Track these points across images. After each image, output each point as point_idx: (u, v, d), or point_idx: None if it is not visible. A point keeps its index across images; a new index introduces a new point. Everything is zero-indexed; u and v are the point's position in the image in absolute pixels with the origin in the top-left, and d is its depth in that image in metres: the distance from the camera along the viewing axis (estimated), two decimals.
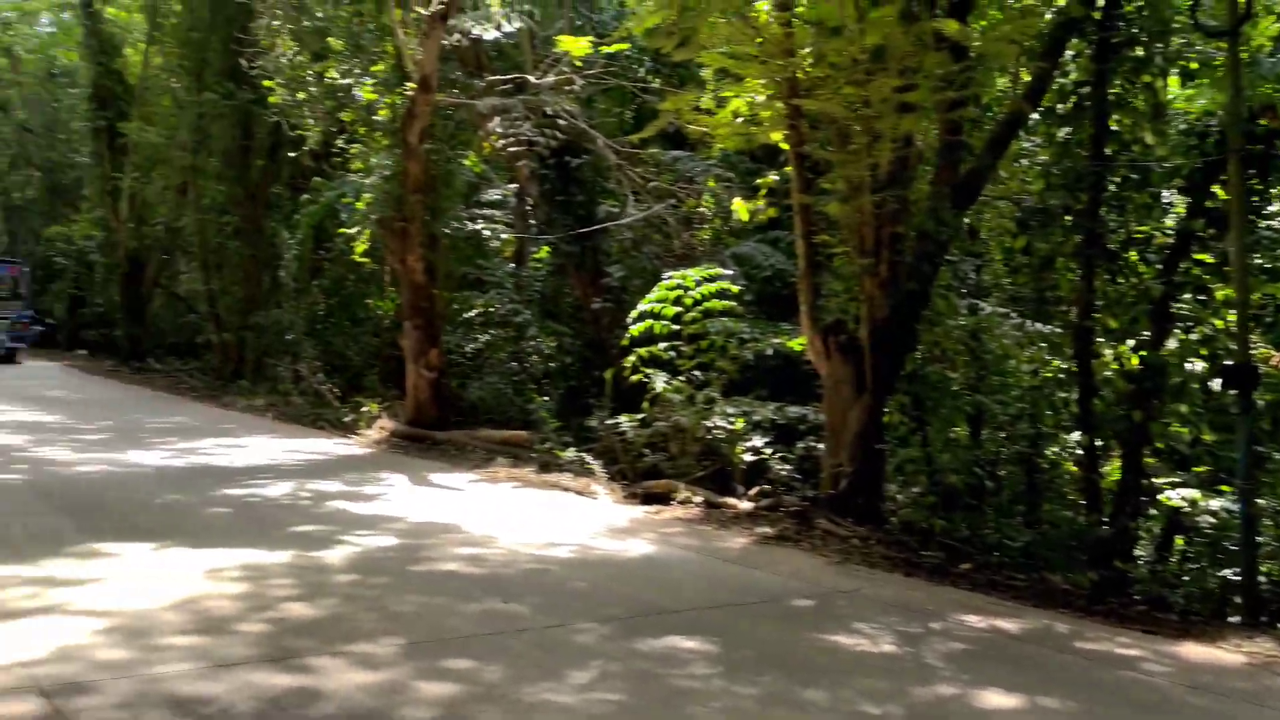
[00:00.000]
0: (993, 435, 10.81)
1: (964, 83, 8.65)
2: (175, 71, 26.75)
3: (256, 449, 13.86)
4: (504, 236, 17.61)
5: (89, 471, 11.44)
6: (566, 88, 14.21)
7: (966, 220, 10.35)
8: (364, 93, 16.86)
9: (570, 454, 12.32)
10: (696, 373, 11.49)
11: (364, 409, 16.48)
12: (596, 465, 11.98)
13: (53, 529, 8.34)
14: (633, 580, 7.39)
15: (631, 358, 11.47)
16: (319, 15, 19.29)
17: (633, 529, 9.36)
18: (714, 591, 7.23)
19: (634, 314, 12.15)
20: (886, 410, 9.81)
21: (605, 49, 14.75)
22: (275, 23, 19.78)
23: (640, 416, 11.63)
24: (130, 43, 31.26)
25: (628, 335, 11.80)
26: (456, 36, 13.77)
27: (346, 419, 16.67)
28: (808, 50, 9.16)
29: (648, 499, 10.80)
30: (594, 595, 6.90)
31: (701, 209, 15.07)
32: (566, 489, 11.27)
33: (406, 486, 11.31)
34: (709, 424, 10.85)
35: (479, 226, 17.03)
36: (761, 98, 9.85)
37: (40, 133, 36.41)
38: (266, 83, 20.57)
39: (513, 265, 16.82)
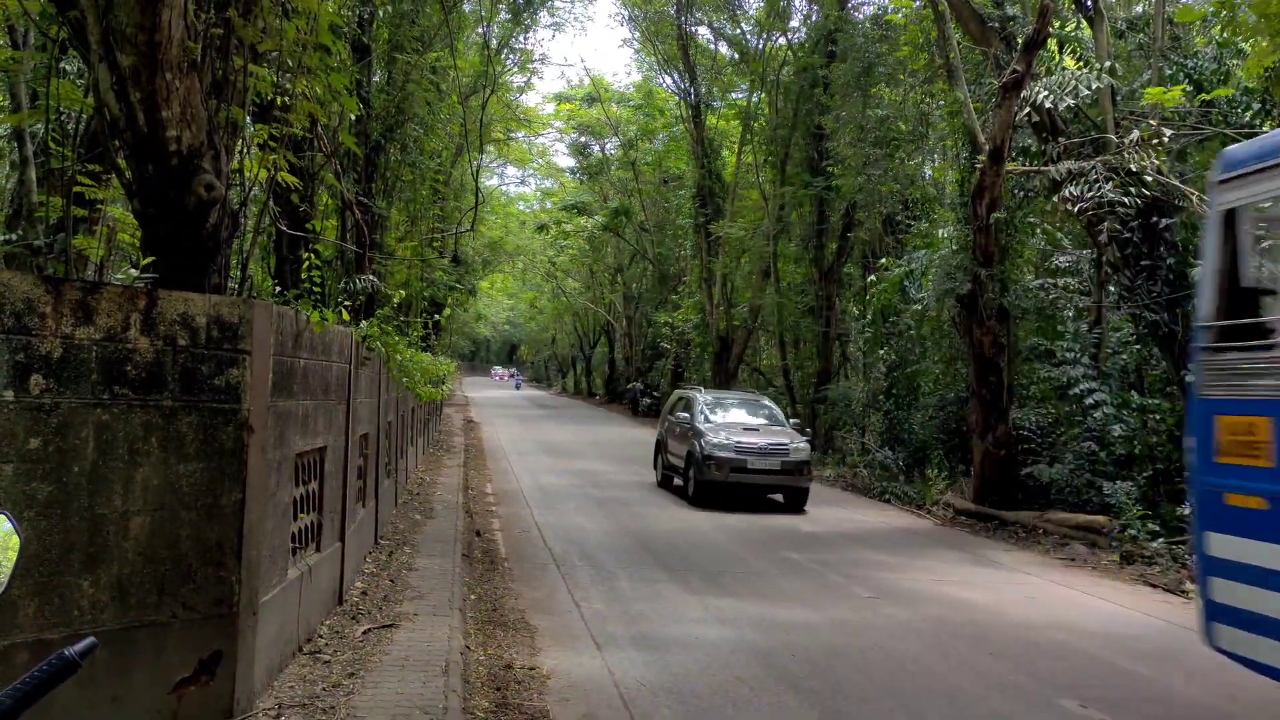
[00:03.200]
0: None
1: None
2: (762, 167, 29.76)
3: (824, 517, 14.50)
4: (1079, 305, 16.52)
5: (679, 529, 12.87)
6: (1154, 142, 13.01)
7: None
8: (933, 171, 17.16)
9: (1158, 545, 11.03)
10: None
11: (929, 484, 16.41)
12: (1191, 560, 10.59)
13: (649, 578, 9.53)
14: (1238, 699, 6.36)
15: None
16: (887, 102, 20.14)
17: None
18: None
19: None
20: None
21: (1204, 96, 13.30)
22: (844, 114, 21.07)
23: None
24: (726, 145, 35.43)
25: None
26: (1028, 110, 13.43)
27: (912, 493, 16.74)
28: None
29: None
30: (1188, 714, 6.08)
31: None
32: (1153, 585, 10.10)
33: (969, 565, 11.00)
34: None
35: (1052, 296, 16.20)
36: None
37: (653, 231, 42.56)
38: (834, 169, 21.93)
39: (1091, 336, 15.60)
